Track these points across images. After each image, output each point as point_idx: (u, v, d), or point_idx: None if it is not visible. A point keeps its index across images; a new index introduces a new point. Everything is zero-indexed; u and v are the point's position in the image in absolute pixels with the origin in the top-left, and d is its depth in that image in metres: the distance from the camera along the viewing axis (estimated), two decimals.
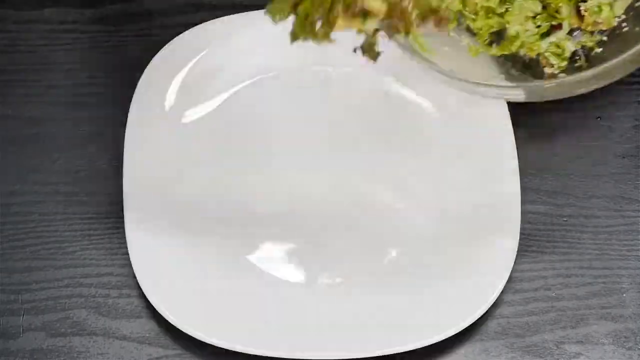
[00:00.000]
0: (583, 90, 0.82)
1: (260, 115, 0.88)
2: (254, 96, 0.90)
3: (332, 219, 0.84)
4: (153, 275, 0.79)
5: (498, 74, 0.86)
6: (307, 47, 0.91)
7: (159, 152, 0.85)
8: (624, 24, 0.86)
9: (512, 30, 0.85)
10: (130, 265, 0.80)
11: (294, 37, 0.74)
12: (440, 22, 0.72)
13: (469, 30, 0.87)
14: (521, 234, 0.82)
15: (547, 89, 0.83)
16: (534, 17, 0.85)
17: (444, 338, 0.77)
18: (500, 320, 0.80)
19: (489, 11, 0.86)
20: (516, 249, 0.80)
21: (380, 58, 0.89)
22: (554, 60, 0.85)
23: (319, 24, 0.74)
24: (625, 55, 0.81)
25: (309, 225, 0.83)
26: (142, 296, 0.81)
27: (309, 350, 0.76)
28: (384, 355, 0.76)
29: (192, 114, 0.88)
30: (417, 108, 0.89)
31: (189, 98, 0.89)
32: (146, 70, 0.89)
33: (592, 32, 0.86)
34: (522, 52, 0.86)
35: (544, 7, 0.85)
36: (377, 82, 0.90)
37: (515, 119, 0.88)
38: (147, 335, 0.80)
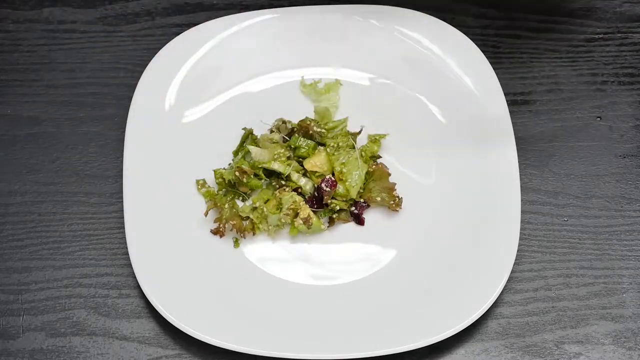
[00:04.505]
0: None
1: (260, 115, 0.88)
2: (254, 96, 0.90)
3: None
4: (153, 275, 0.79)
5: None
6: (307, 48, 0.92)
7: (159, 152, 0.85)
8: None
9: None
10: (130, 265, 0.80)
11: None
12: None
13: None
14: (521, 234, 0.82)
15: None
16: None
17: (444, 338, 0.77)
18: (500, 320, 0.80)
19: None
20: (516, 249, 0.80)
21: (383, 63, 0.90)
22: None
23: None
24: None
25: None
26: (142, 296, 0.81)
27: (309, 349, 0.76)
28: (385, 355, 0.76)
29: (192, 114, 0.88)
30: (421, 111, 0.88)
31: (189, 98, 0.89)
32: (146, 70, 0.89)
33: None
34: None
35: None
36: (380, 83, 0.90)
37: (516, 120, 0.88)
38: (147, 335, 0.80)
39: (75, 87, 0.92)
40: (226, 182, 0.84)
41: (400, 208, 0.83)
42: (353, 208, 0.84)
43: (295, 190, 0.84)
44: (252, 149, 0.84)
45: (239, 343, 0.76)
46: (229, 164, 0.86)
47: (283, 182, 0.84)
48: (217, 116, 0.88)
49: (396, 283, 0.80)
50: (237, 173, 0.83)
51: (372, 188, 0.84)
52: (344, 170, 0.84)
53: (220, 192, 0.85)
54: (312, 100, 0.89)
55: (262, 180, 0.84)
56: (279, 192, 0.83)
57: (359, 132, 0.87)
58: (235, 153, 0.86)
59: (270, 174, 0.85)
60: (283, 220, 0.82)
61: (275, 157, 0.84)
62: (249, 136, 0.86)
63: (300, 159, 0.85)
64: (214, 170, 0.84)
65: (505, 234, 0.80)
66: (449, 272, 0.80)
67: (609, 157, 0.88)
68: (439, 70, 0.89)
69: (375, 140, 0.86)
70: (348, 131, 0.87)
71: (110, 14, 0.96)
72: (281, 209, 0.83)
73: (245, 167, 0.83)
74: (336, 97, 0.89)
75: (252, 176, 0.83)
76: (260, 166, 0.84)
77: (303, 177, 0.84)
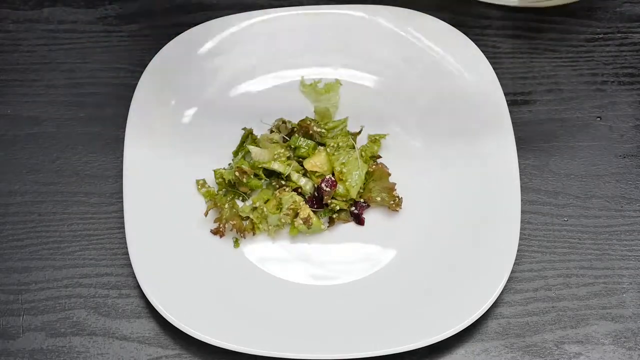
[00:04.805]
0: None
1: (260, 115, 0.88)
2: (254, 96, 0.90)
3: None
4: (153, 275, 0.79)
5: None
6: (307, 48, 0.92)
7: (159, 152, 0.85)
8: None
9: None
10: (130, 265, 0.80)
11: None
12: None
13: None
14: (521, 234, 0.82)
15: None
16: None
17: (444, 338, 0.77)
18: (500, 320, 0.80)
19: None
20: (516, 249, 0.80)
21: (383, 63, 0.90)
22: None
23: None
24: None
25: None
26: (142, 296, 0.81)
27: (309, 349, 0.76)
28: (385, 355, 0.76)
29: (192, 114, 0.88)
30: (421, 111, 0.88)
31: (189, 98, 0.89)
32: (146, 70, 0.89)
33: None
34: None
35: None
36: (380, 83, 0.90)
37: (516, 119, 0.88)
38: (147, 335, 0.80)
39: (75, 87, 0.92)
40: (226, 182, 0.84)
41: (400, 208, 0.83)
42: (353, 208, 0.84)
43: (295, 190, 0.84)
44: (252, 149, 0.84)
45: (239, 343, 0.76)
46: (229, 164, 0.86)
47: (283, 182, 0.84)
48: (217, 116, 0.88)
49: (396, 283, 0.80)
50: (237, 173, 0.83)
51: (372, 188, 0.84)
52: (344, 170, 0.84)
53: (220, 192, 0.85)
54: (312, 100, 0.89)
55: (262, 180, 0.84)
56: (279, 192, 0.83)
57: (359, 132, 0.87)
58: (235, 153, 0.87)
59: (270, 174, 0.85)
60: (283, 220, 0.82)
61: (275, 157, 0.84)
62: (249, 136, 0.86)
63: (300, 159, 0.85)
64: (214, 170, 0.84)
65: (505, 234, 0.80)
66: (449, 272, 0.80)
67: (609, 157, 0.88)
68: (439, 69, 0.89)
69: (375, 140, 0.86)
70: (348, 131, 0.87)
71: (110, 14, 0.96)
72: (281, 209, 0.83)
73: (245, 167, 0.83)
74: (336, 97, 0.89)
75: (252, 176, 0.83)
76: (260, 166, 0.84)
77: (303, 177, 0.84)
